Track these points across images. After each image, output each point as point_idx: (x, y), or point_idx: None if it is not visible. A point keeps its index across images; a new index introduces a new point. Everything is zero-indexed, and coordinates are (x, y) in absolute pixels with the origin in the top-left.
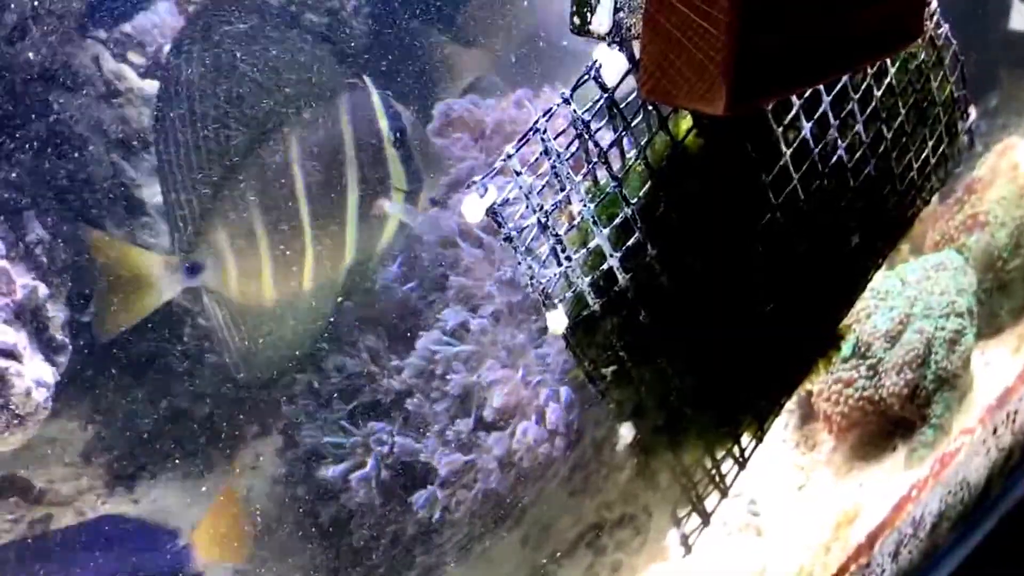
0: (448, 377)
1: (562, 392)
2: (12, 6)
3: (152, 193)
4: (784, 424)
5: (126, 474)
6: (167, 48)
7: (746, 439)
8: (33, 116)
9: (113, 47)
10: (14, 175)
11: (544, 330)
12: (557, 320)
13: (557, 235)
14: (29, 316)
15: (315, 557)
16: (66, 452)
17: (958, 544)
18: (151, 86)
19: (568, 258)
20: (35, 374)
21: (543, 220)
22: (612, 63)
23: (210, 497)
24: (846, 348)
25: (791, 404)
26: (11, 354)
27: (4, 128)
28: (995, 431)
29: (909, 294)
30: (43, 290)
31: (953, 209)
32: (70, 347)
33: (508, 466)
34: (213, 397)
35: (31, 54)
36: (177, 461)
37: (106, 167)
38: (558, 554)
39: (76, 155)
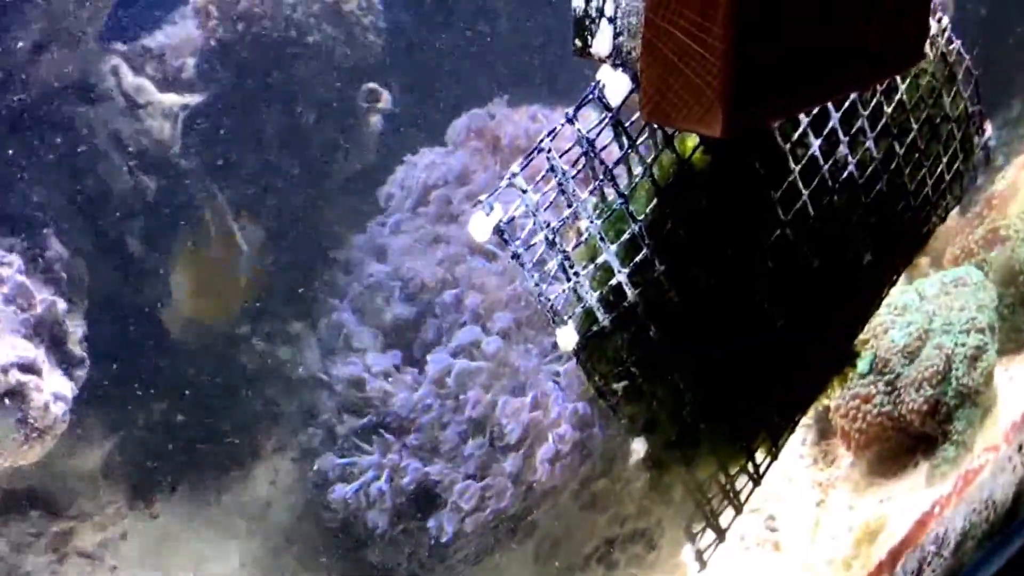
0: (461, 398)
1: (571, 409)
2: (33, 23)
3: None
4: (801, 440)
5: (146, 488)
6: (189, 62)
7: (760, 455)
8: (54, 130)
9: (133, 61)
10: (34, 193)
11: (556, 344)
12: (567, 336)
13: (565, 251)
14: (48, 331)
15: (331, 571)
16: (86, 468)
17: (984, 564)
18: (171, 99)
19: (576, 274)
20: (53, 388)
21: (550, 237)
22: (616, 83)
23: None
24: (863, 364)
25: (808, 420)
26: (30, 368)
27: (25, 145)
28: (1020, 448)
29: (927, 309)
30: (61, 305)
31: (973, 223)
32: (88, 362)
33: (521, 485)
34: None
35: (51, 69)
36: (196, 475)
37: (126, 179)
38: (570, 569)
39: (97, 168)
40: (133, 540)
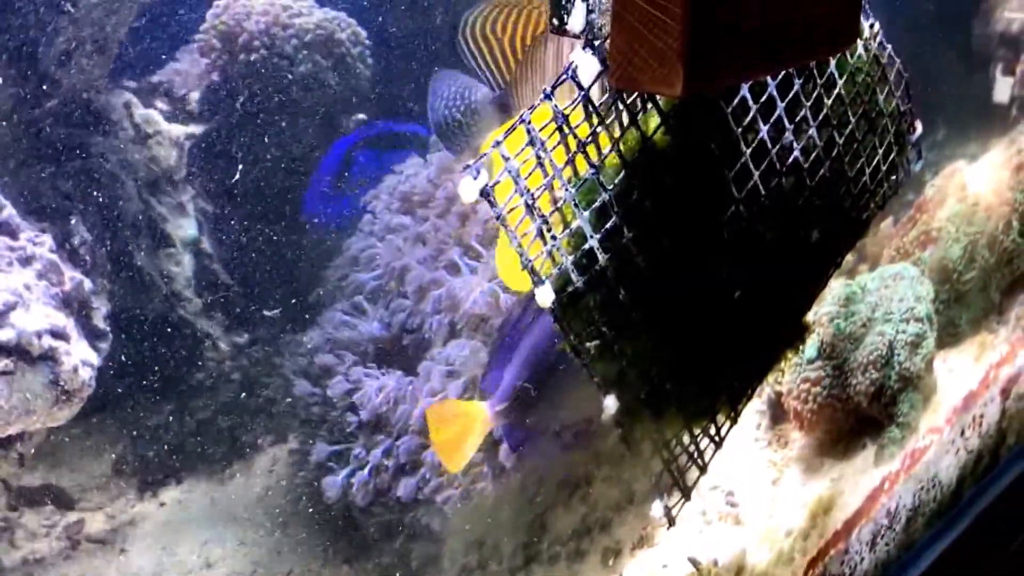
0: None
1: None
2: (48, 66)
3: (176, 226)
4: (756, 425)
5: (153, 481)
6: (193, 95)
7: (721, 419)
8: (73, 157)
9: (142, 95)
10: (60, 185)
11: None
12: (544, 295)
13: (543, 215)
14: (76, 305)
15: (328, 549)
16: (97, 464)
17: (934, 541)
18: (178, 130)
19: (553, 237)
20: (81, 355)
21: (529, 202)
22: (587, 66)
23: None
24: (811, 350)
25: (762, 406)
26: (61, 335)
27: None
28: (963, 433)
29: (869, 300)
30: (88, 284)
31: (907, 227)
32: (111, 336)
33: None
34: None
35: (68, 104)
36: (201, 467)
37: (137, 203)
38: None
39: (110, 193)
40: (141, 526)
